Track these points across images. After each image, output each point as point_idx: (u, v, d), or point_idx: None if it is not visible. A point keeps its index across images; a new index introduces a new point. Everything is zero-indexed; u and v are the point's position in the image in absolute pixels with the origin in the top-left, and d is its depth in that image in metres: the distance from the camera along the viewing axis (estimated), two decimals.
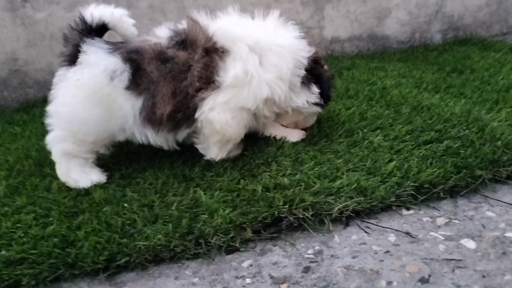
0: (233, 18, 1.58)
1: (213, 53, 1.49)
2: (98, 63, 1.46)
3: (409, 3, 3.16)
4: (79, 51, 1.48)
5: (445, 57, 2.82)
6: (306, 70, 1.62)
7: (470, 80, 2.29)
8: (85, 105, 1.47)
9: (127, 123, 1.51)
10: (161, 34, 1.55)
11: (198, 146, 1.62)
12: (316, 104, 1.68)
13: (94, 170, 1.57)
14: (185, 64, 1.48)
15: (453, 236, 1.18)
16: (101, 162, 1.65)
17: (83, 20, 1.48)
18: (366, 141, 1.65)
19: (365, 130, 1.75)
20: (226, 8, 1.60)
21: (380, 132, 1.73)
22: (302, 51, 1.60)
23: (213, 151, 1.60)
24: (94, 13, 1.48)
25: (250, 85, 1.50)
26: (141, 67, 1.47)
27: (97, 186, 1.50)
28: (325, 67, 1.78)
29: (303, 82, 1.63)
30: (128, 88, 1.47)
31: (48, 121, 1.53)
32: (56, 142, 1.53)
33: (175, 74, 1.48)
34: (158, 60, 1.48)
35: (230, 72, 1.48)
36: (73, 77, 1.47)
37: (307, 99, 1.65)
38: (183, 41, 1.51)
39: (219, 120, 1.50)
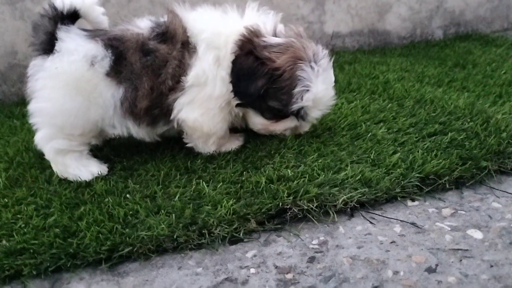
0: (203, 11, 1.54)
1: (186, 48, 1.47)
2: (78, 49, 1.43)
3: None
4: (52, 39, 1.44)
5: (446, 52, 2.81)
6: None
7: (472, 74, 2.28)
8: (66, 95, 1.44)
9: (107, 113, 1.48)
10: (142, 25, 1.52)
11: (188, 145, 1.61)
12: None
13: (91, 161, 1.55)
14: (164, 60, 1.46)
15: (459, 227, 1.17)
16: (102, 154, 1.63)
17: (53, 7, 1.44)
18: (370, 134, 1.64)
19: (368, 123, 1.74)
20: (227, 1, 1.59)
21: (383, 125, 1.71)
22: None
23: (201, 147, 1.59)
24: (65, 0, 1.45)
25: (205, 85, 1.48)
26: (123, 55, 1.45)
27: (98, 178, 1.48)
28: (267, 55, 1.47)
29: None
30: (108, 74, 1.44)
31: (32, 120, 1.49)
32: (46, 141, 1.50)
33: (154, 68, 1.46)
34: (140, 52, 1.46)
35: (192, 71, 1.46)
36: (51, 66, 1.43)
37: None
38: (164, 34, 1.48)
39: (190, 118, 1.50)
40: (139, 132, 1.55)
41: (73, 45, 1.44)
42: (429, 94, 1.96)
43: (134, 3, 2.67)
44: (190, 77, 1.46)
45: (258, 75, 1.45)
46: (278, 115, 1.55)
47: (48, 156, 1.53)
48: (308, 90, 1.47)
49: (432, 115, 1.74)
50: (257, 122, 1.58)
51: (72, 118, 1.46)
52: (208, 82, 1.47)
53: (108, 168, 1.55)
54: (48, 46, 1.44)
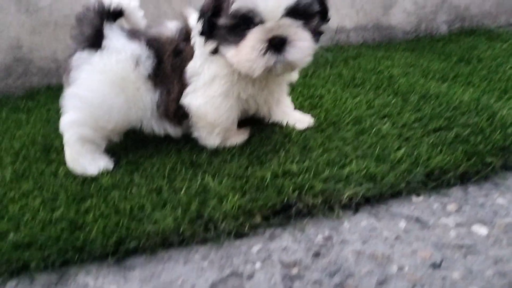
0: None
1: (192, 45, 1.51)
2: (125, 49, 1.47)
3: None
4: (99, 35, 1.48)
5: (451, 47, 2.80)
6: None
7: (477, 69, 2.27)
8: (111, 92, 1.48)
9: (145, 115, 1.54)
10: (171, 27, 1.56)
11: (194, 135, 1.61)
12: None
13: (103, 156, 1.56)
14: (188, 59, 1.50)
15: (464, 223, 1.17)
16: (108, 148, 1.63)
17: (101, 3, 1.48)
18: (374, 129, 1.64)
19: (373, 118, 1.74)
20: None
21: (388, 120, 1.71)
22: None
23: (205, 137, 1.59)
24: None
25: (200, 72, 1.49)
26: (161, 58, 1.50)
27: (104, 172, 1.49)
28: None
29: None
30: (149, 77, 1.49)
31: (65, 103, 1.50)
32: (73, 126, 1.50)
33: (181, 69, 1.50)
34: (173, 53, 1.50)
35: (192, 64, 1.50)
36: (99, 62, 1.46)
37: None
38: (187, 36, 1.52)
39: (194, 104, 1.51)
40: (176, 131, 1.61)
41: (120, 44, 1.49)
42: (434, 89, 1.96)
43: None
44: (188, 68, 1.49)
45: (207, 7, 1.39)
46: (235, 32, 1.36)
47: (68, 140, 1.53)
48: None
49: (437, 110, 1.74)
50: (230, 55, 1.40)
51: (112, 113, 1.49)
52: (200, 70, 1.49)
53: (114, 162, 1.56)
54: (95, 41, 1.48)
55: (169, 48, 1.51)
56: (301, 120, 1.75)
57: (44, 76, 2.67)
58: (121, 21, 1.60)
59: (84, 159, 1.51)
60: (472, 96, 1.84)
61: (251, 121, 1.74)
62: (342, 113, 1.82)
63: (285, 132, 1.66)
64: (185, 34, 1.53)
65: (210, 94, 1.50)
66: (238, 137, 1.64)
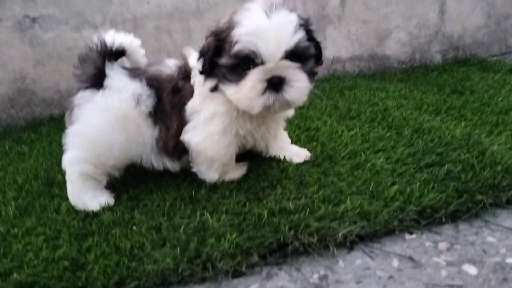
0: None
1: (191, 84, 1.57)
2: (127, 88, 1.54)
3: (409, 24, 3.23)
4: (101, 74, 1.54)
5: (445, 78, 2.87)
6: None
7: (470, 101, 2.33)
8: (113, 129, 1.53)
9: (145, 150, 1.59)
10: (170, 65, 1.62)
11: (193, 169, 1.66)
12: None
13: (104, 193, 1.60)
14: (187, 97, 1.56)
15: (455, 262, 1.21)
16: (109, 183, 1.67)
17: (103, 43, 1.54)
18: (369, 164, 1.68)
19: (368, 152, 1.78)
20: None
21: (382, 154, 1.76)
22: None
23: (205, 172, 1.64)
24: (116, 38, 1.55)
25: (200, 110, 1.55)
26: (161, 96, 1.56)
27: (105, 208, 1.53)
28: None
29: None
30: (150, 114, 1.55)
31: (68, 140, 1.55)
32: (75, 163, 1.55)
33: (180, 106, 1.56)
34: (172, 91, 1.56)
35: (191, 103, 1.56)
36: (102, 101, 1.52)
37: None
38: (187, 75, 1.58)
39: (193, 141, 1.56)
40: (174, 166, 1.66)
41: (122, 83, 1.55)
42: (427, 123, 2.01)
43: (140, 30, 2.74)
44: (189, 105, 1.56)
45: (208, 47, 1.45)
46: (236, 71, 1.42)
47: (70, 177, 1.57)
48: (240, 25, 1.36)
49: (429, 145, 1.79)
50: (230, 93, 1.45)
51: (113, 150, 1.54)
52: (200, 108, 1.55)
53: (114, 198, 1.60)
54: (97, 81, 1.54)
55: (169, 86, 1.57)
56: (298, 154, 1.80)
57: (47, 106, 2.73)
58: (123, 59, 1.67)
59: (86, 195, 1.55)
60: (464, 130, 1.89)
61: (249, 155, 1.79)
62: (338, 146, 1.86)
63: (282, 167, 1.71)
64: (184, 73, 1.59)
65: (209, 130, 1.56)
66: (237, 172, 1.69)
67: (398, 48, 3.26)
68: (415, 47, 3.30)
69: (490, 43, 3.50)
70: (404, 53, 3.29)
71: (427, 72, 3.07)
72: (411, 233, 1.35)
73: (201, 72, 1.49)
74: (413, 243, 1.30)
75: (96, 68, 1.54)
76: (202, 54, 1.48)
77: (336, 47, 3.13)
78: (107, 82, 1.54)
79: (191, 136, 1.56)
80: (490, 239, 1.29)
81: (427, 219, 1.37)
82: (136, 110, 1.54)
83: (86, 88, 1.54)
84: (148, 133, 1.57)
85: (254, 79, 1.39)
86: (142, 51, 1.67)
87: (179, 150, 1.62)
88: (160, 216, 1.45)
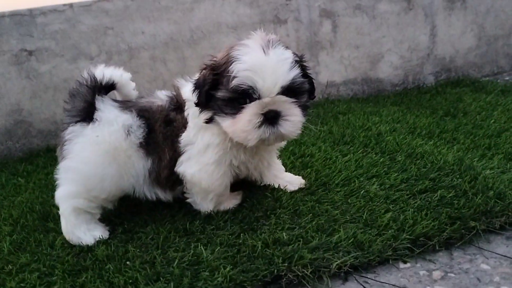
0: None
1: (185, 116, 1.59)
2: (117, 120, 1.55)
3: (401, 47, 3.28)
4: (91, 108, 1.56)
5: (438, 100, 2.90)
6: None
7: (462, 124, 2.35)
8: (104, 162, 1.53)
9: (138, 182, 1.60)
10: (162, 97, 1.65)
11: (188, 200, 1.67)
12: None
13: (98, 226, 1.60)
14: (179, 128, 1.58)
15: None
16: (103, 216, 1.68)
17: (93, 77, 1.56)
18: (363, 190, 1.69)
19: (362, 178, 1.79)
20: None
21: (376, 180, 1.77)
22: None
23: (199, 203, 1.65)
24: (106, 73, 1.58)
25: (194, 142, 1.57)
26: (152, 127, 1.57)
27: (100, 242, 1.53)
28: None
29: None
30: (141, 145, 1.56)
31: (60, 176, 1.56)
32: (68, 198, 1.55)
33: (173, 138, 1.58)
34: (164, 123, 1.58)
35: (185, 135, 1.58)
36: (91, 134, 1.53)
37: None
38: (177, 105, 1.61)
39: (188, 172, 1.57)
40: (166, 196, 1.67)
41: (112, 115, 1.56)
42: (420, 147, 2.03)
43: (135, 60, 2.79)
44: (183, 137, 1.57)
45: (204, 80, 1.49)
46: (233, 105, 1.45)
47: (63, 212, 1.57)
48: (239, 61, 1.40)
49: (422, 170, 1.80)
50: (226, 125, 1.48)
51: (105, 183, 1.54)
52: (194, 139, 1.57)
53: (109, 231, 1.60)
54: (86, 114, 1.55)
55: (160, 117, 1.59)
56: (292, 182, 1.81)
57: (44, 138, 2.75)
58: (113, 93, 1.69)
59: (80, 230, 1.55)
60: (456, 154, 1.91)
61: (244, 184, 1.79)
62: (332, 173, 1.87)
63: (276, 195, 1.71)
64: (176, 104, 1.61)
65: (204, 161, 1.57)
66: (231, 202, 1.69)
67: (391, 71, 3.30)
68: (407, 69, 3.34)
69: (482, 64, 3.55)
70: (397, 76, 3.33)
71: (420, 95, 3.11)
72: (405, 262, 1.35)
73: (197, 104, 1.51)
74: (407, 272, 1.30)
75: (85, 102, 1.55)
76: (197, 86, 1.51)
77: (330, 71, 3.17)
78: (97, 115, 1.55)
79: (186, 167, 1.58)
80: (484, 266, 1.29)
81: (420, 247, 1.37)
82: (127, 141, 1.55)
83: (76, 122, 1.55)
84: (140, 164, 1.58)
85: (250, 112, 1.42)
86: (132, 84, 1.69)
87: (172, 181, 1.63)
88: (154, 249, 1.45)
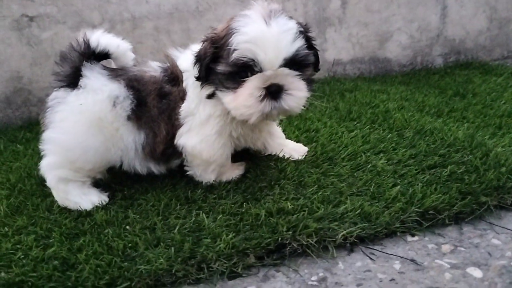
0: (188, 51, 1.55)
1: (182, 87, 1.52)
2: (102, 89, 1.47)
3: (410, 27, 3.20)
4: (77, 74, 1.48)
5: (447, 81, 2.84)
6: None
7: (472, 104, 2.30)
8: (88, 133, 1.46)
9: (128, 155, 1.53)
10: (155, 67, 1.57)
11: (188, 173, 1.61)
12: None
13: (92, 190, 1.56)
14: (176, 102, 1.51)
15: (459, 265, 1.17)
16: (103, 183, 1.63)
17: (87, 43, 1.48)
18: (370, 165, 1.64)
19: (368, 154, 1.75)
20: None
21: (383, 155, 1.72)
22: None
23: (200, 174, 1.60)
24: (101, 40, 1.49)
25: (195, 113, 1.51)
26: (144, 100, 1.49)
27: (99, 208, 1.49)
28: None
29: None
30: (129, 118, 1.48)
31: (44, 147, 1.52)
32: (52, 168, 1.51)
33: (169, 112, 1.51)
34: (158, 96, 1.50)
35: (184, 103, 1.51)
36: (74, 101, 1.46)
37: None
38: (172, 77, 1.53)
39: (189, 144, 1.51)
40: (160, 169, 1.60)
41: (98, 84, 1.48)
42: (429, 124, 1.97)
43: (139, 30, 2.71)
44: (182, 108, 1.50)
45: (205, 53, 1.42)
46: (234, 79, 1.39)
47: (50, 183, 1.54)
48: (239, 33, 1.33)
49: (432, 146, 1.75)
50: (227, 100, 1.42)
51: (89, 154, 1.48)
52: (196, 111, 1.50)
53: (109, 197, 1.56)
54: (72, 80, 1.47)
55: (153, 90, 1.51)
56: (297, 150, 1.78)
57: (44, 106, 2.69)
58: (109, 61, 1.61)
59: (74, 195, 1.51)
60: (466, 132, 1.85)
61: (247, 155, 1.75)
62: (338, 147, 1.83)
63: (280, 167, 1.67)
64: (171, 75, 1.54)
65: (205, 133, 1.51)
66: (234, 172, 1.65)
67: (400, 51, 3.23)
68: (416, 50, 3.27)
69: (492, 47, 3.48)
70: (405, 56, 3.26)
71: (428, 75, 3.04)
72: (413, 235, 1.31)
73: (198, 78, 1.45)
74: (415, 245, 1.26)
75: (73, 68, 1.47)
76: (198, 59, 1.44)
77: (337, 49, 3.10)
78: (82, 82, 1.47)
79: (186, 139, 1.52)
80: (495, 241, 1.25)
81: (429, 221, 1.33)
82: (112, 113, 1.46)
83: (61, 87, 1.48)
84: (129, 138, 1.50)
85: (252, 86, 1.36)
86: (131, 55, 1.60)
87: (168, 155, 1.57)
88: (154, 216, 1.41)
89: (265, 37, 1.31)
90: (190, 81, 1.51)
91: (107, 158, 1.51)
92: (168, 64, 1.56)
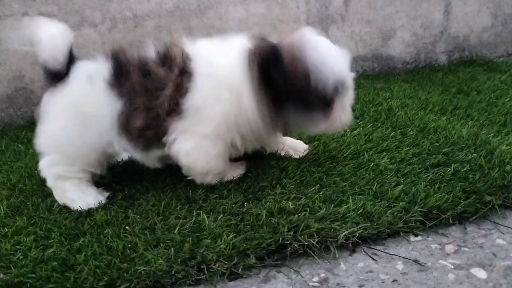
0: (208, 42, 1.52)
1: (185, 75, 1.45)
2: (80, 72, 1.47)
3: (414, 24, 3.17)
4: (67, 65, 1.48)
5: (450, 78, 2.81)
6: None
7: (476, 101, 2.27)
8: (69, 118, 1.47)
9: (104, 127, 1.46)
10: (149, 50, 1.49)
11: (189, 178, 1.57)
12: None
13: (90, 189, 1.54)
14: (162, 82, 1.44)
15: (463, 265, 1.15)
16: (104, 182, 1.62)
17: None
18: (372, 164, 1.63)
19: (371, 152, 1.73)
20: (232, 28, 1.60)
21: (386, 154, 1.70)
22: None
23: (200, 180, 1.57)
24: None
25: (203, 114, 1.45)
26: (125, 67, 1.44)
27: (99, 207, 1.48)
28: None
29: None
30: (109, 83, 1.44)
31: (38, 147, 1.54)
32: (49, 167, 1.53)
33: (152, 91, 1.44)
34: (140, 71, 1.44)
35: (190, 98, 1.44)
36: (58, 94, 1.47)
37: None
38: (164, 56, 1.47)
39: (182, 150, 1.47)
40: (136, 155, 1.54)
41: (79, 71, 1.48)
42: (432, 122, 1.95)
43: (140, 29, 2.70)
44: (187, 98, 1.43)
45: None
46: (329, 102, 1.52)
47: (49, 182, 1.55)
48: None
49: (435, 145, 1.73)
50: (319, 127, 1.53)
51: (73, 139, 1.48)
52: (203, 104, 1.44)
53: (109, 197, 1.55)
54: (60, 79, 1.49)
55: (135, 62, 1.45)
56: (295, 147, 1.76)
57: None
58: None
59: (70, 192, 1.52)
60: (470, 130, 1.83)
61: (248, 155, 1.73)
62: (340, 146, 1.81)
63: (281, 166, 1.65)
64: (163, 56, 1.46)
65: (201, 135, 1.46)
66: (235, 172, 1.63)
67: (403, 49, 3.20)
68: (420, 47, 3.24)
69: (497, 44, 3.44)
70: (409, 53, 3.23)
71: (432, 73, 3.02)
72: (416, 235, 1.29)
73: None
74: (418, 245, 1.25)
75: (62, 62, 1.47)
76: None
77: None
78: (70, 75, 1.47)
79: (181, 142, 1.46)
80: (499, 241, 1.23)
81: (433, 220, 1.31)
82: (89, 86, 1.44)
83: (50, 88, 1.52)
84: (108, 107, 1.44)
85: (345, 104, 1.61)
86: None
87: (147, 138, 1.48)
88: (154, 216, 1.40)
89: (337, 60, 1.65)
90: (206, 70, 1.44)
91: (94, 145, 1.49)
92: (165, 48, 1.49)
